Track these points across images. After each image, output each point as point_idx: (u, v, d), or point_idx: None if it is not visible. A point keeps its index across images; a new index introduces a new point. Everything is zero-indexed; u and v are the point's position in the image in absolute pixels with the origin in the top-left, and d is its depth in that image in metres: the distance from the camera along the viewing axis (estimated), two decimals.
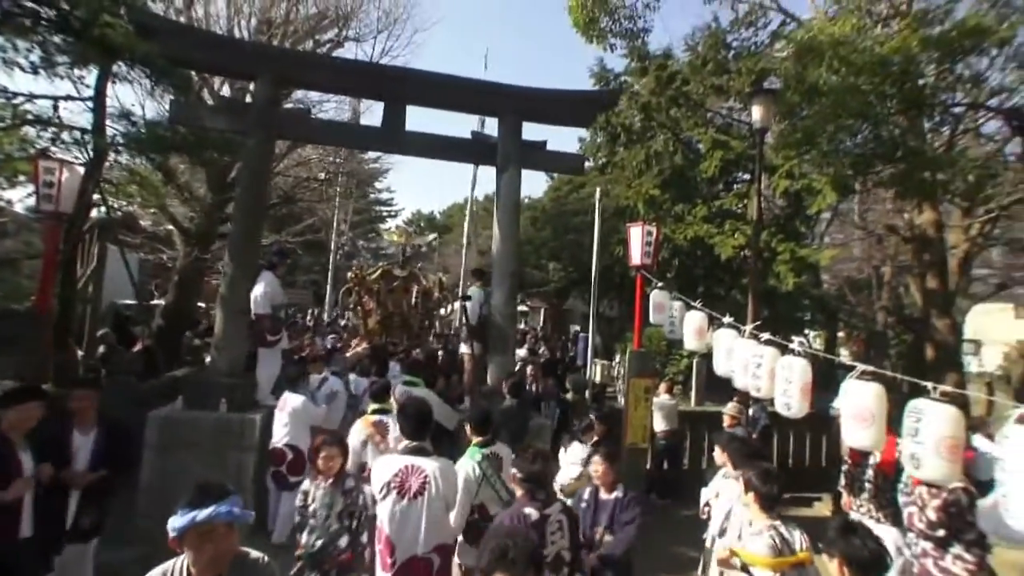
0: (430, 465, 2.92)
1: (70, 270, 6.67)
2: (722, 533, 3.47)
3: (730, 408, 5.88)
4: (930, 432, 2.48)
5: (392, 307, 9.34)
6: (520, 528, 2.45)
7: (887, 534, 3.58)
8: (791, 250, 8.94)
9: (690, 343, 5.56)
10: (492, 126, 6.89)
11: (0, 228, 9.18)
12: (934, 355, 8.16)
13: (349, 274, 9.69)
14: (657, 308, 6.16)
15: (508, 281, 6.20)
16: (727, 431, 5.39)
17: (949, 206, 8.93)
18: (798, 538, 2.68)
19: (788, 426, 7.10)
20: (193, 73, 7.88)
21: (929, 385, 2.61)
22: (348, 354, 7.34)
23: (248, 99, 7.77)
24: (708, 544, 3.71)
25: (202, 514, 1.65)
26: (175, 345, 9.14)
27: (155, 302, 11.10)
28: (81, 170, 6.11)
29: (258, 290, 5.55)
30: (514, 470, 2.84)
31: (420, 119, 19.44)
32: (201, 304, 12.42)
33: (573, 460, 4.44)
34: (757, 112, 6.80)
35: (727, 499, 3.47)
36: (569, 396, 7.44)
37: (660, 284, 6.13)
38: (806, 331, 12.27)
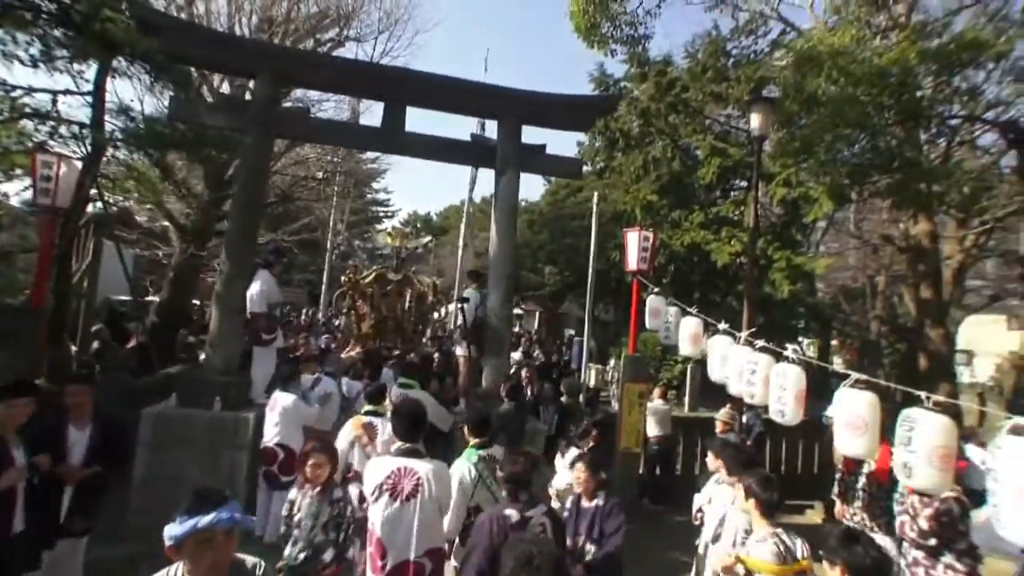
0: (423, 467, 2.89)
1: (65, 265, 6.63)
2: (715, 539, 3.47)
3: (723, 414, 5.89)
4: (922, 441, 2.50)
5: (386, 311, 9.29)
6: (545, 537, 2.41)
7: (881, 543, 3.59)
8: (787, 258, 8.99)
9: (685, 349, 5.57)
10: (492, 129, 6.91)
11: None
12: (927, 365, 8.21)
13: (343, 277, 9.62)
14: (653, 313, 6.17)
15: (504, 284, 6.20)
16: (720, 437, 5.40)
17: (944, 217, 8.98)
18: (799, 546, 2.69)
19: (780, 433, 7.11)
20: (192, 70, 7.86)
21: (922, 395, 2.62)
22: (342, 356, 7.32)
23: (247, 97, 7.76)
24: (701, 550, 3.69)
25: (203, 521, 1.61)
26: (169, 342, 9.10)
27: (150, 298, 11.04)
28: (79, 165, 6.08)
29: (254, 288, 5.53)
30: (499, 471, 2.83)
31: (419, 120, 19.49)
32: (196, 301, 12.36)
33: (569, 465, 4.43)
34: (755, 120, 6.83)
35: (720, 505, 3.46)
36: (564, 399, 7.44)
37: (656, 289, 6.15)
38: (800, 339, 12.31)
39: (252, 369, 5.61)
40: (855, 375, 3.09)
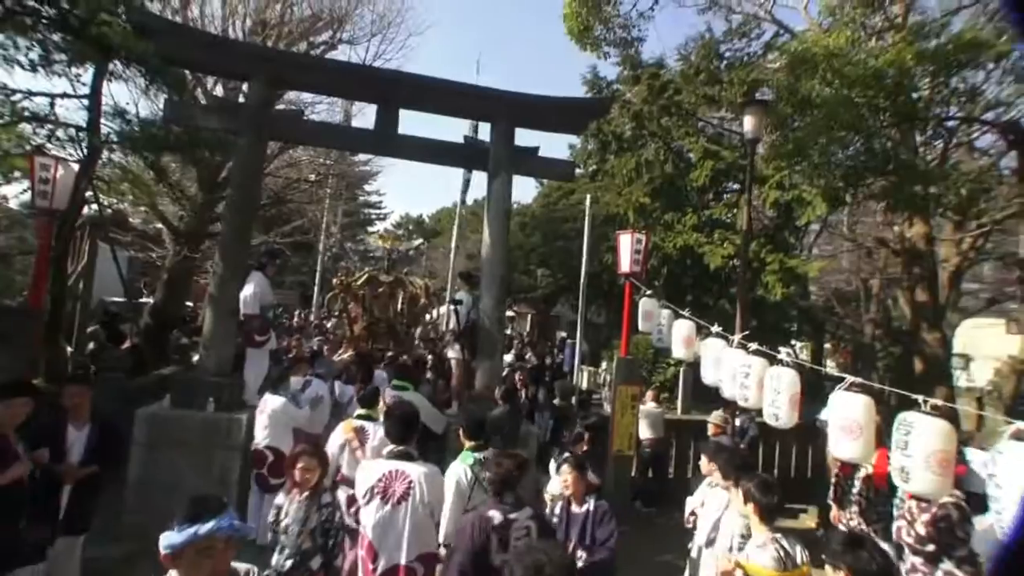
0: (415, 470, 2.89)
1: (61, 266, 6.66)
2: (709, 543, 3.47)
3: (715, 417, 5.91)
4: (920, 445, 2.46)
5: (378, 313, 9.28)
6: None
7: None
8: (780, 261, 9.03)
9: (678, 352, 5.58)
10: (485, 131, 6.92)
11: None
12: (923, 368, 8.13)
13: (335, 280, 9.61)
14: (646, 316, 6.19)
15: (497, 286, 6.21)
16: (713, 440, 5.41)
17: (940, 219, 8.89)
18: (799, 552, 2.66)
19: (774, 436, 7.13)
20: (187, 72, 7.86)
21: (919, 398, 2.60)
22: (334, 359, 7.30)
23: (241, 99, 7.75)
24: (694, 554, 3.69)
25: (203, 529, 1.58)
26: (162, 343, 9.08)
27: (144, 300, 11.00)
28: (75, 167, 6.11)
29: (248, 290, 5.54)
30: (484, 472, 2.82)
31: (412, 123, 19.48)
32: (189, 303, 12.32)
33: (556, 469, 4.42)
34: (749, 123, 6.87)
35: (714, 509, 3.44)
36: (557, 402, 7.45)
37: (649, 292, 6.17)
38: (793, 342, 12.34)
39: (245, 370, 5.61)
40: (850, 378, 3.09)
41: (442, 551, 3.00)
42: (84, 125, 6.56)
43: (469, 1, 70.51)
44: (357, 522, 3.63)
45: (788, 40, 8.60)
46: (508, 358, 9.59)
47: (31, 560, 3.12)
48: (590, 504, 3.18)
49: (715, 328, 4.66)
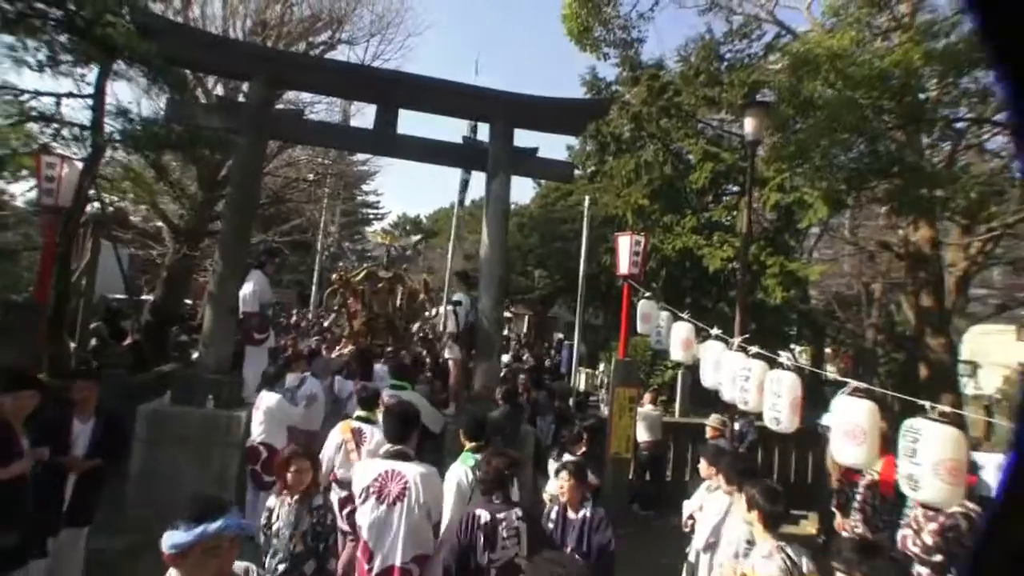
0: (411, 471, 2.86)
1: (65, 263, 6.72)
2: (707, 548, 3.44)
3: (713, 420, 5.89)
4: (928, 453, 2.42)
5: (377, 308, 9.30)
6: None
7: None
8: (780, 264, 8.99)
9: (677, 354, 5.57)
10: (484, 132, 6.91)
11: (2, 221, 9.22)
12: (928, 375, 7.96)
13: (334, 275, 9.63)
14: (644, 318, 6.18)
15: (496, 287, 6.20)
16: (711, 443, 5.39)
17: (947, 223, 8.69)
18: (805, 562, 2.61)
19: (773, 441, 7.09)
20: (188, 72, 7.90)
21: (926, 404, 2.55)
22: (333, 355, 7.29)
23: (241, 99, 7.76)
24: (692, 558, 3.67)
25: (211, 528, 1.55)
26: (162, 340, 9.11)
27: (144, 297, 11.03)
28: (80, 166, 6.16)
29: (247, 288, 5.56)
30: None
31: (410, 123, 19.46)
32: (188, 301, 12.34)
33: (554, 473, 4.40)
34: (749, 124, 6.85)
35: (713, 513, 3.41)
36: (557, 404, 7.42)
37: (648, 294, 6.16)
38: (792, 346, 12.27)
39: (244, 368, 5.64)
40: (853, 383, 3.06)
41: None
42: (88, 124, 6.63)
43: (468, 1, 70.59)
44: (350, 525, 3.64)
45: (790, 41, 8.57)
46: (505, 359, 9.59)
47: (35, 554, 3.17)
48: (586, 510, 3.13)
49: (714, 331, 4.65)
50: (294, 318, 15.48)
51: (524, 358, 11.24)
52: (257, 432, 4.68)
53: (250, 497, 4.77)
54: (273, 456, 4.48)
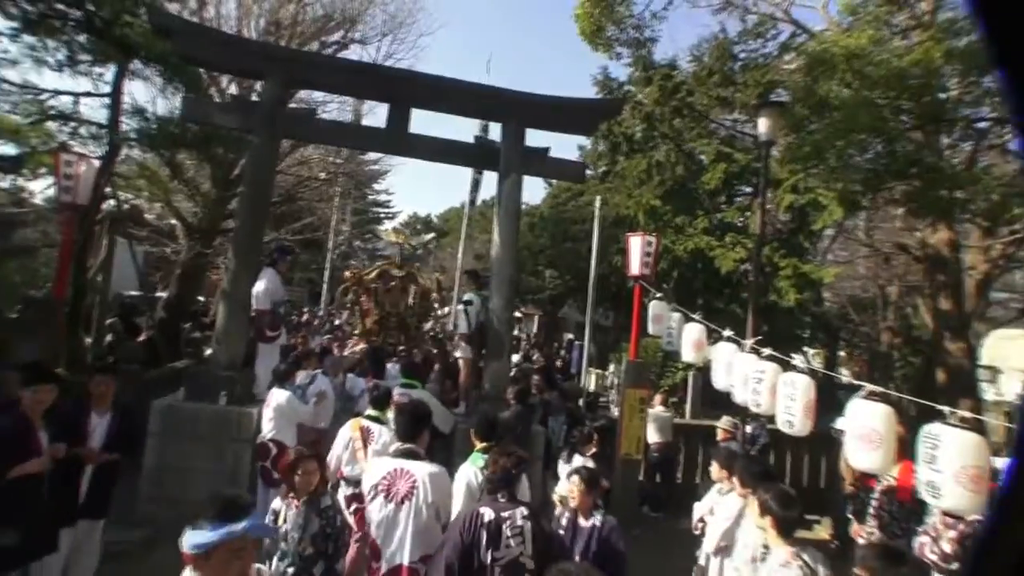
0: (420, 470, 2.84)
1: (82, 260, 6.82)
2: (718, 552, 3.40)
3: (724, 422, 5.83)
4: (949, 460, 2.37)
5: (389, 307, 9.33)
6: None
7: None
8: (794, 265, 8.89)
9: (688, 355, 5.53)
10: (495, 131, 6.91)
11: (22, 218, 9.41)
12: (946, 379, 7.77)
13: (347, 273, 9.69)
14: (656, 319, 6.14)
15: (507, 287, 6.19)
16: (723, 446, 5.34)
17: (967, 225, 8.45)
18: (822, 570, 2.53)
19: (785, 444, 7.01)
20: (203, 71, 7.99)
21: (945, 409, 2.50)
22: (345, 353, 7.33)
23: (255, 98, 7.83)
24: (702, 561, 3.64)
25: (238, 528, 1.52)
26: (176, 337, 9.21)
27: (158, 294, 11.17)
28: (97, 164, 6.27)
29: (259, 286, 5.59)
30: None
31: (422, 122, 19.49)
32: (201, 298, 12.47)
33: (567, 476, 4.37)
34: (763, 125, 6.77)
35: (724, 517, 3.36)
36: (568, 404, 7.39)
37: (659, 295, 6.12)
38: (804, 348, 12.11)
39: (256, 365, 5.68)
40: (869, 386, 3.02)
41: None
42: (105, 123, 6.73)
43: (480, 1, 70.68)
44: (356, 523, 3.65)
45: (806, 40, 8.46)
46: (515, 359, 9.58)
47: (46, 550, 3.21)
48: (597, 519, 3.08)
49: (727, 332, 4.60)
50: (305, 316, 15.58)
51: (534, 358, 11.20)
52: (267, 429, 4.71)
53: (260, 494, 4.80)
54: (283, 453, 4.52)
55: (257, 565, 1.80)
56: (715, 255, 9.30)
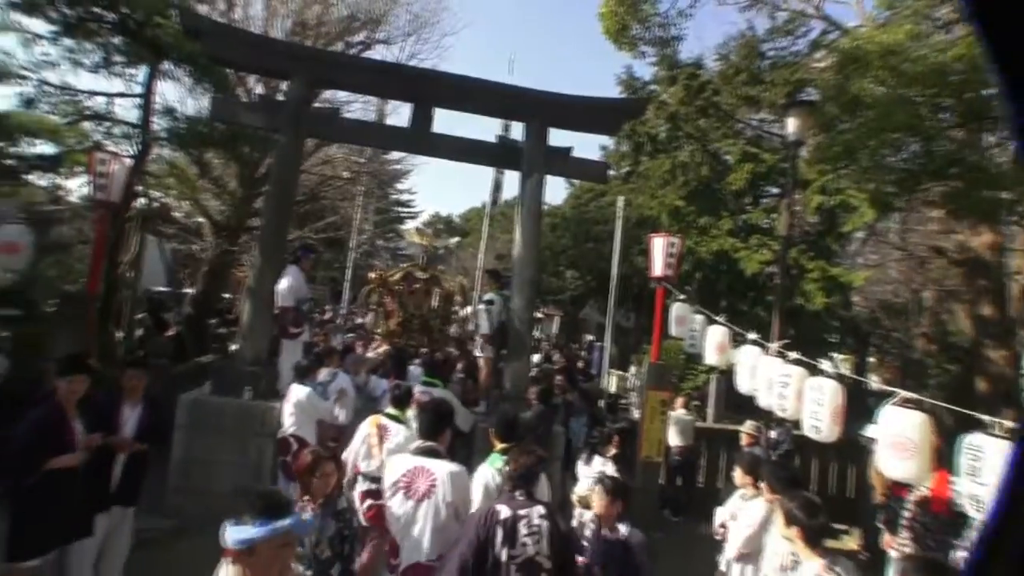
0: (440, 468, 2.85)
1: (113, 257, 7.03)
2: (740, 559, 3.33)
3: (748, 426, 5.71)
4: (993, 472, 2.27)
5: (413, 309, 9.39)
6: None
7: None
8: (822, 268, 8.67)
9: (711, 358, 5.44)
10: (517, 131, 6.89)
11: (58, 215, 9.78)
12: (987, 388, 7.43)
13: (371, 274, 9.79)
14: (679, 321, 6.05)
15: (528, 287, 6.17)
16: (746, 450, 5.23)
17: (1012, 228, 8.10)
18: None
19: (811, 451, 6.83)
20: (230, 72, 8.17)
21: (987, 419, 2.41)
22: (369, 354, 7.39)
23: (280, 97, 7.96)
24: (723, 567, 3.57)
25: (282, 525, 1.55)
26: (202, 332, 9.42)
27: (185, 290, 11.45)
28: (128, 163, 6.45)
29: (283, 284, 5.66)
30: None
31: (442, 122, 19.48)
32: (227, 294, 12.74)
33: (592, 473, 4.33)
34: (792, 124, 6.61)
35: (747, 524, 3.30)
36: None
37: (682, 297, 6.02)
38: (831, 353, 11.78)
39: (279, 361, 5.75)
40: (903, 393, 2.92)
41: None
42: (137, 123, 6.93)
43: (504, 1, 70.78)
44: (370, 520, 3.67)
45: (838, 37, 8.23)
46: (535, 359, 9.56)
47: (87, 531, 3.35)
48: (621, 531, 3.03)
49: (751, 335, 4.50)
50: (327, 314, 15.78)
51: (554, 359, 11.16)
52: (288, 424, 4.75)
53: (282, 487, 4.88)
54: (304, 448, 4.58)
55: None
56: (740, 257, 9.14)
